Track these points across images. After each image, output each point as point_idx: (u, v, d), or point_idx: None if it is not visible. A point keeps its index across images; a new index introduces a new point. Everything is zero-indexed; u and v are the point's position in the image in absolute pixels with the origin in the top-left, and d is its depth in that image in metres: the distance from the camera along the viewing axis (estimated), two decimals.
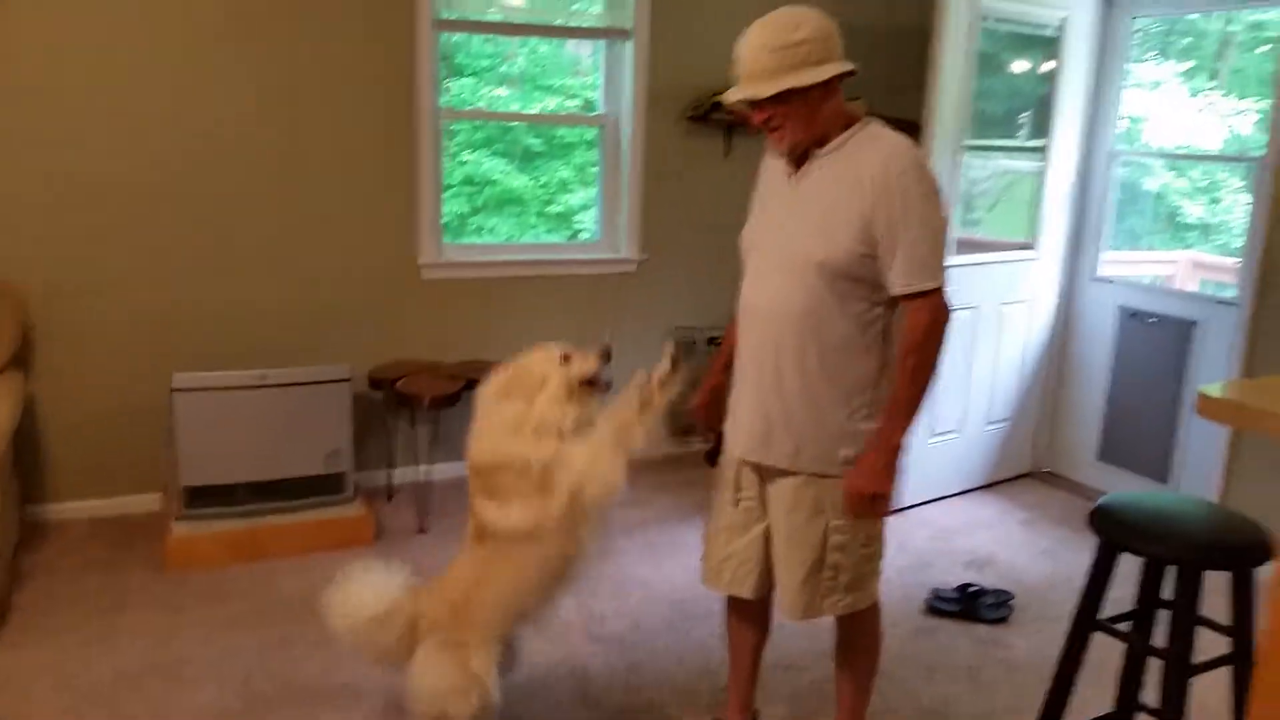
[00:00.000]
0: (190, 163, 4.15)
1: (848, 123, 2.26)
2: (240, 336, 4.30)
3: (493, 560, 2.51)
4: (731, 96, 2.20)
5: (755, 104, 2.19)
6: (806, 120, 2.19)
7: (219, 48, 4.10)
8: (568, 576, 2.57)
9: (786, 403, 2.31)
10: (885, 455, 2.23)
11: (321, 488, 4.05)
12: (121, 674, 3.07)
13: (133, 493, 4.25)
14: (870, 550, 2.39)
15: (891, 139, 2.22)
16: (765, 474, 2.41)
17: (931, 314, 2.18)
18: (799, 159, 2.29)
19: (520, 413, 2.43)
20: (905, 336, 2.20)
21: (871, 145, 2.20)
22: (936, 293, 2.18)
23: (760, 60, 2.14)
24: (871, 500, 2.26)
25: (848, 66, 2.19)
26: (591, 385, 2.50)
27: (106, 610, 3.44)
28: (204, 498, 3.88)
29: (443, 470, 4.65)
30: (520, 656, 2.87)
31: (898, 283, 2.18)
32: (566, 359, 2.49)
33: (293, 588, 3.66)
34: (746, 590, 2.52)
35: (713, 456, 2.58)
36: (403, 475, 4.62)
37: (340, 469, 4.08)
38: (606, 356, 2.51)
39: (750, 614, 2.66)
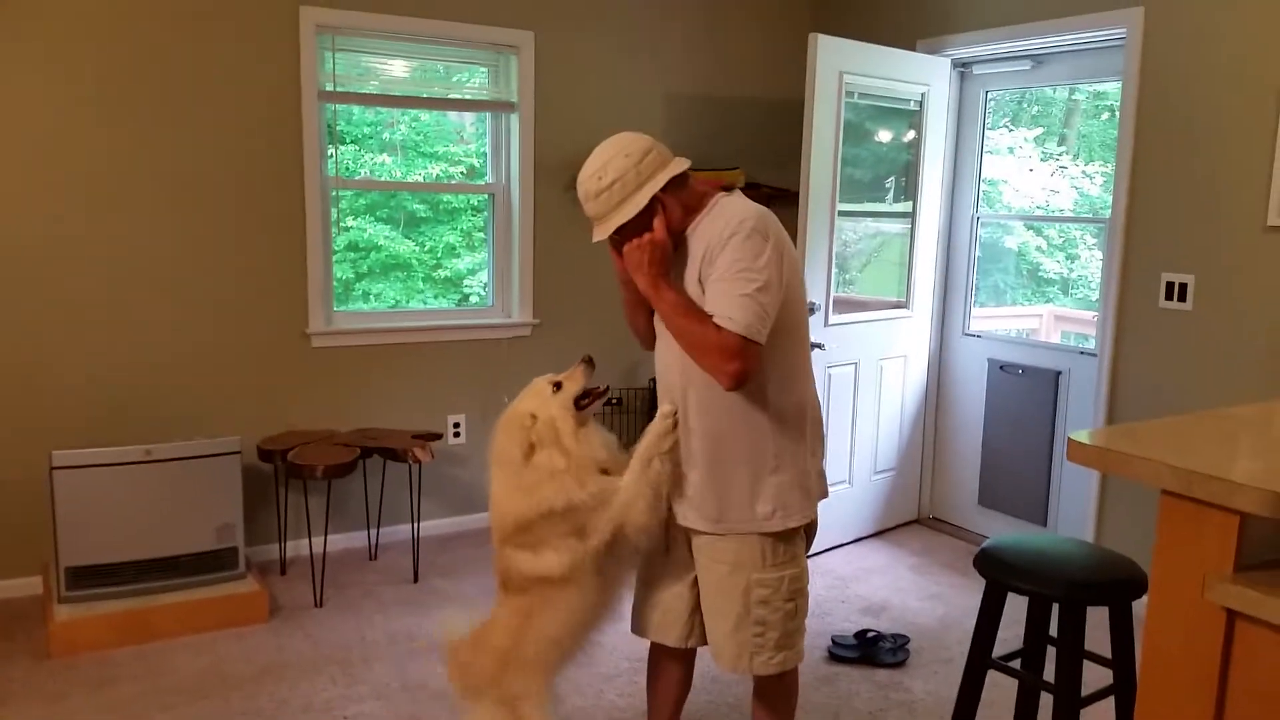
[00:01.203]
0: (70, 232, 4.04)
1: (702, 204, 2.39)
2: (124, 410, 4.18)
3: (535, 605, 2.46)
4: (594, 238, 2.40)
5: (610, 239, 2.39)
6: (659, 227, 2.34)
7: (103, 117, 4.04)
8: (608, 610, 2.57)
9: (698, 472, 2.41)
10: (647, 281, 2.32)
11: (212, 564, 3.93)
12: None
13: (10, 576, 4.06)
14: (794, 605, 2.46)
15: (730, 211, 2.32)
16: (691, 529, 2.48)
17: (721, 342, 2.19)
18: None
19: (556, 464, 2.40)
20: (711, 329, 2.22)
21: (711, 223, 2.33)
22: (734, 336, 2.18)
23: (591, 208, 2.37)
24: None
25: (674, 172, 2.34)
26: (589, 398, 2.48)
27: None
28: (88, 578, 3.72)
29: (337, 541, 4.57)
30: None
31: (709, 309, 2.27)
32: (558, 386, 2.47)
33: (187, 667, 3.54)
34: (671, 639, 2.58)
35: None
36: (296, 548, 4.52)
37: (231, 544, 3.97)
38: (590, 364, 2.51)
39: (674, 664, 2.70)
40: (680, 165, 2.36)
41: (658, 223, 2.32)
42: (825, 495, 2.51)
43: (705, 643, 2.56)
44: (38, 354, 4.04)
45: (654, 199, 2.31)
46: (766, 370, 2.32)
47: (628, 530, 2.40)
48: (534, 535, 2.41)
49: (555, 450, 2.41)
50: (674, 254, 2.40)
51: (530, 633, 2.48)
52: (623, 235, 2.36)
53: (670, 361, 2.43)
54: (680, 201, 2.36)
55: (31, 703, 3.28)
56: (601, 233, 2.36)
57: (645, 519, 2.39)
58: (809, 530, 2.50)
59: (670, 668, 2.71)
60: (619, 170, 2.31)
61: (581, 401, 2.47)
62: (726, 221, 2.27)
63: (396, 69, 4.81)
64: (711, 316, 2.21)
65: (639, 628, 2.65)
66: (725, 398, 2.32)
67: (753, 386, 2.32)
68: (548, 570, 2.41)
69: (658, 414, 2.44)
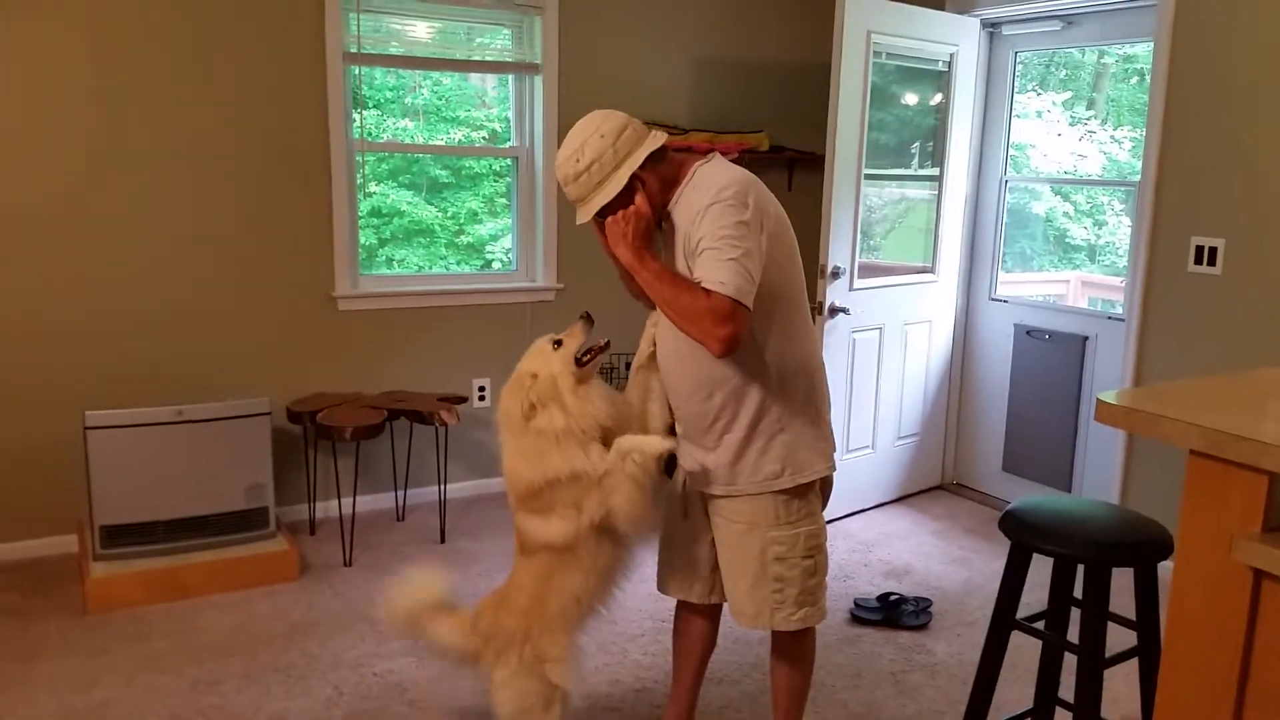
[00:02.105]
0: (102, 198, 4.08)
1: (681, 175, 2.38)
2: (155, 372, 4.23)
3: (554, 565, 2.49)
4: (579, 221, 2.41)
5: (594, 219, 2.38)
6: (641, 202, 2.33)
7: (133, 84, 4.06)
8: (626, 567, 2.60)
9: (708, 438, 2.44)
10: (629, 253, 2.31)
11: (243, 523, 3.99)
12: None
13: (46, 535, 4.14)
14: (812, 562, 2.49)
15: (709, 180, 2.31)
16: (706, 493, 2.52)
17: (711, 306, 2.16)
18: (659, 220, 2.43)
19: (555, 423, 2.41)
20: (700, 295, 2.20)
21: (692, 194, 2.32)
22: (725, 299, 2.15)
23: (572, 191, 2.37)
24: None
25: (651, 148, 2.33)
26: (591, 354, 2.48)
27: (21, 658, 3.34)
28: (122, 537, 3.79)
29: (366, 502, 4.62)
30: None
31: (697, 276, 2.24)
32: (558, 344, 2.48)
33: (218, 625, 3.61)
34: (695, 596, 2.64)
35: (670, 468, 2.65)
36: (325, 509, 4.58)
37: (262, 504, 4.03)
38: (589, 320, 2.51)
39: (700, 621, 2.74)
40: (657, 140, 2.35)
41: (639, 198, 2.32)
42: (834, 448, 2.53)
43: (725, 599, 2.61)
44: (70, 318, 4.09)
45: (633, 176, 2.30)
46: (765, 333, 2.34)
47: (614, 517, 2.41)
48: (543, 501, 2.44)
49: (555, 408, 2.42)
50: (659, 231, 2.40)
51: (551, 593, 2.51)
52: (605, 214, 2.35)
53: (666, 337, 2.44)
54: (659, 175, 2.35)
55: (70, 657, 3.36)
56: (584, 215, 2.37)
57: (627, 509, 2.39)
58: (824, 487, 2.53)
59: (696, 624, 2.75)
60: (596, 151, 2.30)
61: (583, 358, 2.47)
62: (706, 191, 2.27)
63: (419, 31, 4.80)
64: (698, 283, 2.19)
65: (663, 586, 2.71)
66: (725, 366, 2.32)
67: (752, 350, 2.33)
68: (551, 538, 2.45)
69: (655, 444, 2.39)
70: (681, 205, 2.35)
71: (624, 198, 2.33)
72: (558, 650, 2.54)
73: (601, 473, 2.38)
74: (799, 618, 2.49)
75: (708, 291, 2.17)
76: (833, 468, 2.52)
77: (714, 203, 2.23)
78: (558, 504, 2.43)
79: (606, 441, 2.42)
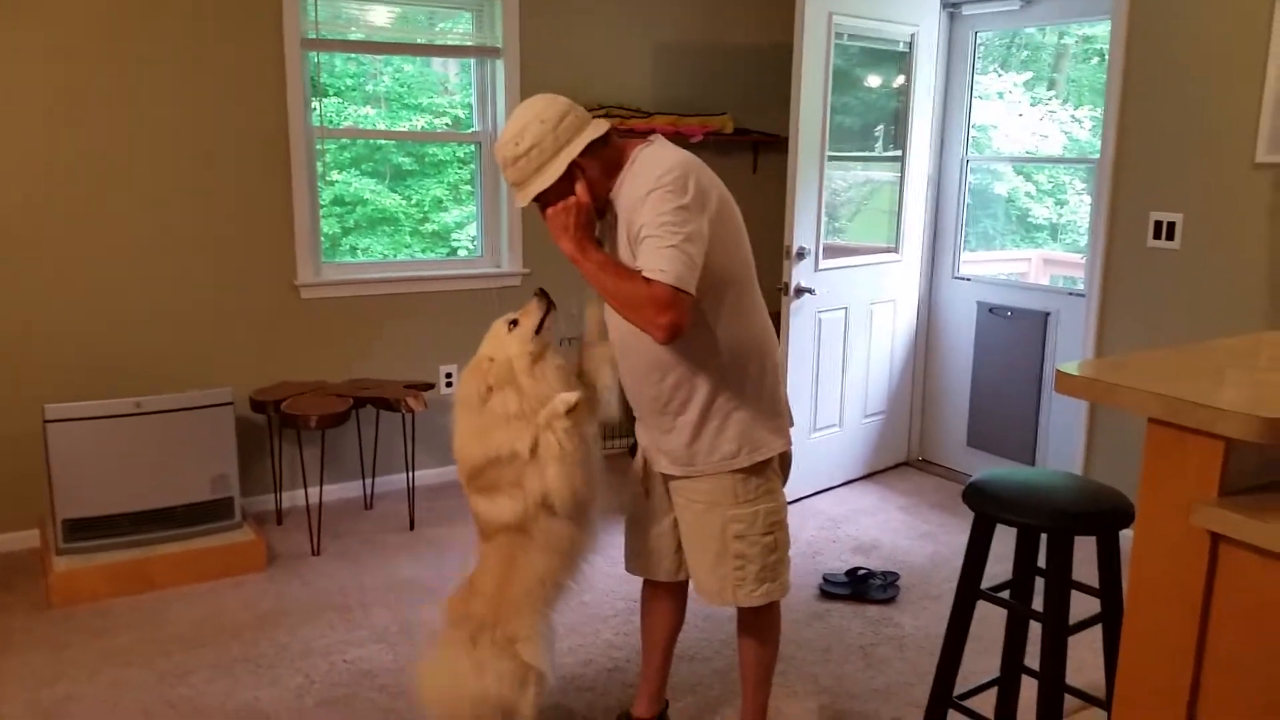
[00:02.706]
0: (58, 192, 4.02)
1: (623, 161, 2.36)
2: (117, 365, 4.18)
3: (513, 547, 2.49)
4: (519, 205, 2.40)
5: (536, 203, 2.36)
6: (581, 191, 2.31)
7: (88, 77, 4.00)
8: (589, 545, 2.59)
9: (664, 420, 2.45)
10: (571, 244, 2.30)
11: (209, 514, 3.96)
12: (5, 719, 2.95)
13: (8, 530, 4.09)
14: (772, 539, 2.50)
15: (649, 165, 2.27)
16: (665, 474, 2.54)
17: (651, 295, 2.14)
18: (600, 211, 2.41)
19: (509, 406, 2.41)
20: (641, 283, 2.18)
21: (632, 182, 2.30)
22: (665, 288, 2.13)
23: (510, 175, 2.34)
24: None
25: (591, 136, 2.30)
26: (542, 323, 2.48)
27: None
28: (85, 530, 3.75)
29: (333, 491, 4.60)
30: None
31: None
32: (514, 324, 2.48)
33: (185, 616, 3.58)
34: (661, 574, 2.67)
35: (634, 449, 2.68)
36: (292, 498, 4.54)
37: (227, 494, 4.00)
38: (543, 295, 2.51)
39: (665, 600, 2.76)
40: (599, 128, 2.33)
41: (579, 187, 2.30)
42: (792, 423, 2.55)
43: (691, 576, 2.63)
44: (28, 311, 4.03)
45: (573, 164, 2.28)
46: (715, 314, 2.34)
47: (550, 496, 2.40)
48: (486, 480, 2.45)
49: (510, 390, 2.42)
50: (602, 219, 2.39)
51: (515, 574, 2.51)
52: (545, 200, 2.33)
53: (617, 321, 2.43)
54: (601, 163, 2.32)
55: (34, 651, 3.32)
56: (522, 199, 2.34)
57: (558, 485, 2.38)
58: (783, 463, 2.54)
59: (661, 603, 2.77)
60: (535, 136, 2.27)
61: (540, 330, 2.47)
62: (646, 177, 2.24)
63: (379, 16, 4.75)
64: (640, 272, 2.17)
65: (631, 567, 2.73)
66: (676, 348, 2.32)
67: (703, 332, 2.33)
68: (501, 518, 2.45)
69: (558, 398, 2.40)
70: (624, 192, 2.32)
71: (563, 185, 2.30)
72: (526, 630, 2.54)
73: (530, 449, 2.38)
74: (761, 593, 2.51)
75: (649, 280, 2.14)
76: (789, 443, 2.53)
77: (654, 189, 2.20)
78: (502, 483, 2.43)
79: None
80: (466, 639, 2.56)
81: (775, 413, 2.49)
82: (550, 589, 2.56)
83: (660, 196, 2.19)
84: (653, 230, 2.17)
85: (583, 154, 2.29)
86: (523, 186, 2.33)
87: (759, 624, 2.64)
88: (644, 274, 2.15)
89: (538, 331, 2.47)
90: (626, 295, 2.20)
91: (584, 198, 2.30)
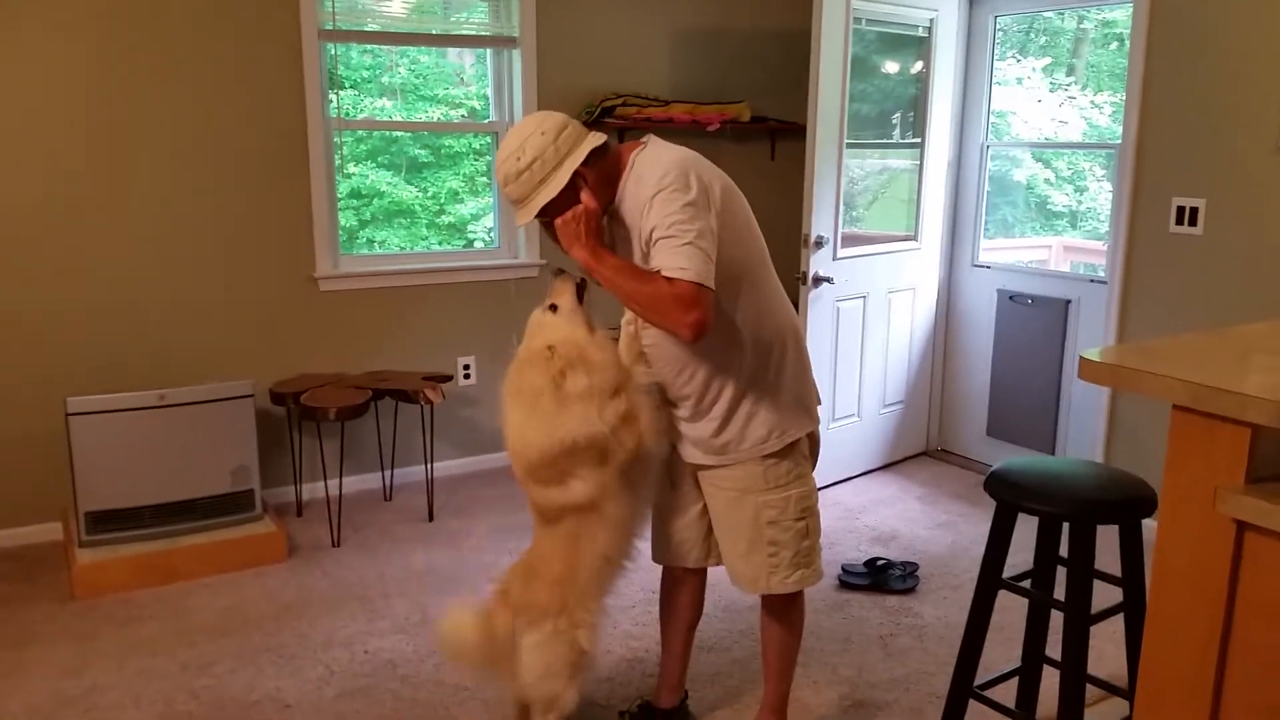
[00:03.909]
0: (79, 183, 4.04)
1: (622, 168, 2.35)
2: (138, 358, 4.20)
3: (580, 528, 2.46)
4: (519, 222, 2.39)
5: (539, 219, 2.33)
6: (587, 198, 2.29)
7: (104, 67, 4.02)
8: (644, 515, 2.60)
9: (694, 413, 2.46)
10: (585, 252, 2.27)
11: (229, 506, 3.98)
12: (33, 709, 2.98)
13: (31, 523, 4.12)
14: (804, 524, 2.51)
15: (648, 169, 2.27)
16: (696, 464, 2.55)
17: (675, 293, 2.14)
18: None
19: (580, 384, 2.38)
20: (662, 284, 2.18)
21: (634, 188, 2.29)
22: (688, 284, 2.14)
23: (512, 192, 2.31)
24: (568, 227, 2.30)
25: (594, 144, 2.29)
26: (581, 292, 2.47)
27: (11, 645, 3.33)
28: (108, 522, 3.78)
29: (352, 483, 4.62)
30: None
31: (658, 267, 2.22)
32: (553, 308, 2.46)
33: (208, 607, 3.61)
34: (691, 560, 2.68)
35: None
36: (312, 490, 4.57)
37: (247, 486, 4.02)
38: (562, 272, 2.49)
39: (686, 589, 2.76)
40: (598, 138, 2.32)
41: (585, 195, 2.28)
42: (819, 402, 2.57)
43: (719, 562, 2.65)
44: (50, 304, 4.05)
45: (575, 174, 2.27)
46: (734, 305, 2.33)
47: (644, 439, 2.41)
48: (558, 469, 2.41)
49: (583, 367, 2.38)
50: (608, 227, 2.38)
51: (582, 555, 2.48)
52: (548, 214, 2.31)
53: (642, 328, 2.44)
54: (601, 171, 2.31)
55: (59, 643, 3.35)
56: (526, 215, 2.31)
57: (650, 420, 2.41)
58: (812, 446, 2.55)
59: (682, 593, 2.78)
60: (537, 148, 2.26)
61: (580, 301, 2.46)
62: (648, 181, 2.24)
63: (395, 7, 4.75)
64: (658, 272, 2.17)
65: (658, 555, 2.74)
66: (702, 346, 2.31)
67: (726, 325, 2.33)
68: (577, 499, 2.42)
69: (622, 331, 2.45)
70: (627, 198, 2.32)
71: (567, 196, 2.28)
72: (591, 616, 2.52)
73: (620, 417, 2.37)
74: (795, 580, 2.52)
75: (670, 279, 2.14)
76: (817, 422, 2.54)
77: (658, 191, 2.20)
78: (575, 466, 2.39)
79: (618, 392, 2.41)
80: (525, 624, 2.52)
81: (804, 394, 2.50)
82: (615, 568, 2.55)
83: (666, 198, 2.19)
84: (665, 231, 2.18)
85: (584, 163, 2.28)
86: (526, 201, 2.31)
87: (785, 612, 2.64)
88: (664, 274, 2.15)
89: (581, 300, 2.46)
90: (648, 297, 2.19)
91: (591, 204, 2.28)
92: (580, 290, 2.46)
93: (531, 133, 2.28)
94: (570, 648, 2.51)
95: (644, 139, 2.39)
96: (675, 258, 2.15)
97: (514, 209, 2.36)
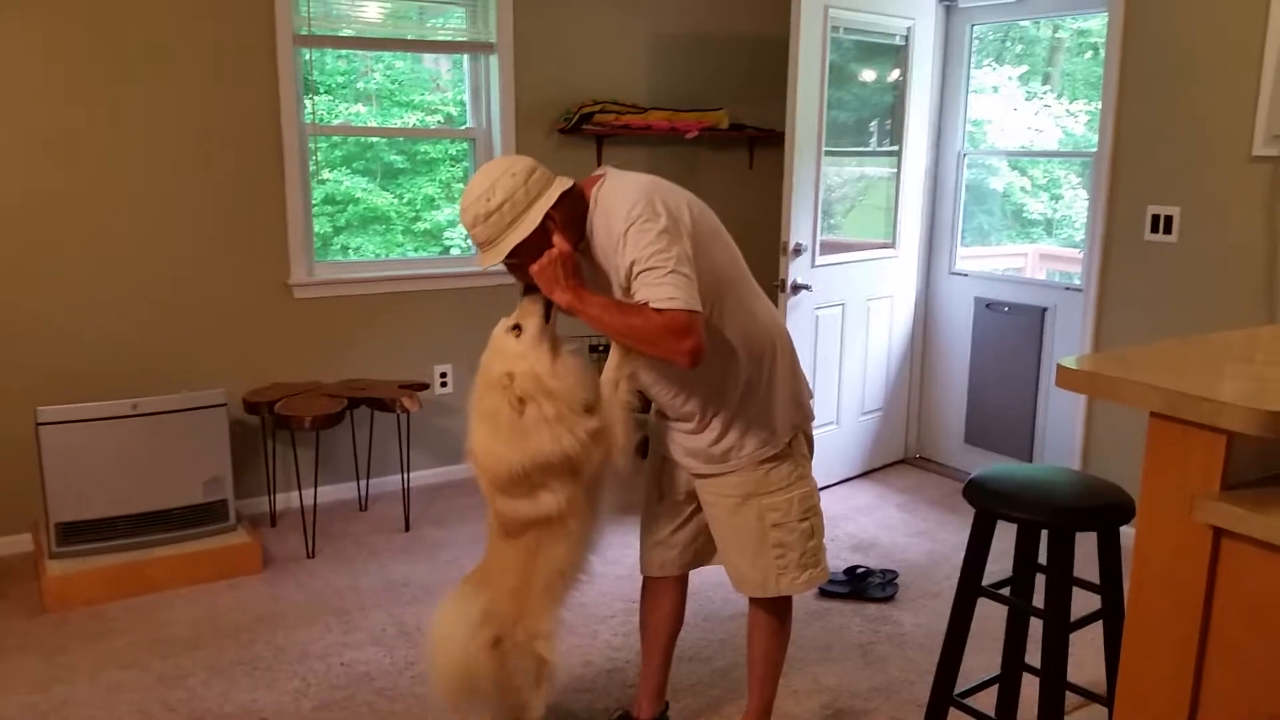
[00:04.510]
0: (49, 189, 3.99)
1: (586, 205, 2.33)
2: (109, 366, 4.15)
3: (541, 540, 2.44)
4: (482, 265, 2.32)
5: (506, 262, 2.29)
6: (560, 242, 2.26)
7: (75, 70, 3.97)
8: (599, 531, 2.57)
9: (693, 426, 2.46)
10: (568, 295, 2.24)
11: (203, 517, 3.94)
12: None
13: (0, 534, 4.05)
14: (809, 524, 2.52)
15: (613, 205, 2.25)
16: (696, 474, 2.55)
17: (666, 320, 2.14)
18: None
19: (547, 412, 2.35)
20: (652, 315, 2.17)
21: (603, 225, 2.27)
22: (680, 313, 2.14)
23: (481, 234, 2.26)
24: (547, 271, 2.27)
25: (563, 187, 2.28)
26: (549, 313, 2.41)
27: None
28: (79, 533, 3.73)
29: (327, 493, 4.57)
30: None
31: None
32: (518, 329, 2.42)
33: (181, 619, 3.56)
34: (676, 570, 2.70)
35: (644, 449, 2.66)
36: (286, 500, 4.52)
37: (221, 496, 3.97)
38: (533, 290, 2.41)
39: (667, 598, 2.75)
40: (566, 182, 2.30)
41: (557, 238, 2.25)
42: (812, 395, 2.58)
43: (705, 564, 2.68)
44: (19, 312, 4.00)
45: (546, 216, 2.23)
46: (721, 321, 2.33)
47: (612, 455, 2.41)
48: (529, 484, 2.39)
49: (542, 398, 2.36)
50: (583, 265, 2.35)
51: (538, 569, 2.47)
52: (516, 256, 2.27)
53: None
54: (568, 214, 2.29)
55: (29, 656, 3.30)
56: (494, 257, 2.26)
57: (624, 440, 2.40)
58: (808, 439, 2.56)
59: (662, 602, 2.76)
60: (507, 190, 2.22)
61: (548, 320, 2.41)
62: (615, 217, 2.22)
63: (370, 13, 4.73)
64: (644, 305, 2.15)
65: (646, 567, 2.74)
66: (696, 368, 2.27)
67: (717, 342, 2.32)
68: (546, 512, 2.41)
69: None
70: (597, 235, 2.29)
71: (537, 239, 2.24)
72: (548, 626, 2.51)
73: (596, 424, 2.36)
74: (804, 580, 2.53)
75: (659, 310, 2.13)
76: (812, 416, 2.56)
77: (629, 226, 2.18)
78: (546, 480, 2.37)
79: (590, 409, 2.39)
80: (490, 635, 2.47)
81: (798, 390, 2.51)
82: (570, 582, 2.54)
83: (639, 229, 2.17)
84: (646, 263, 2.16)
85: (554, 205, 2.25)
86: (495, 243, 2.25)
87: (774, 619, 2.64)
88: (652, 305, 2.14)
89: (546, 321, 2.42)
90: (639, 330, 2.17)
91: (564, 246, 2.25)
92: (548, 311, 2.41)
93: (501, 174, 2.24)
94: (531, 659, 2.49)
95: (601, 171, 2.38)
96: (661, 289, 2.13)
97: (479, 251, 2.31)
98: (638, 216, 2.18)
